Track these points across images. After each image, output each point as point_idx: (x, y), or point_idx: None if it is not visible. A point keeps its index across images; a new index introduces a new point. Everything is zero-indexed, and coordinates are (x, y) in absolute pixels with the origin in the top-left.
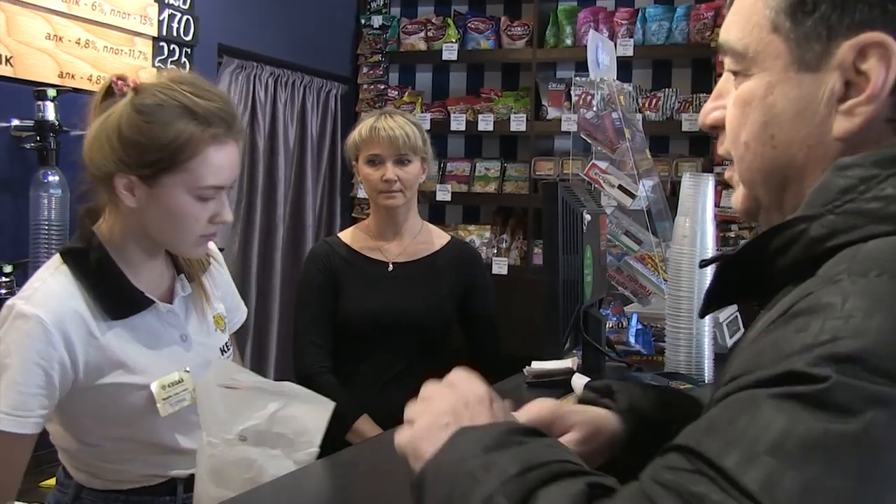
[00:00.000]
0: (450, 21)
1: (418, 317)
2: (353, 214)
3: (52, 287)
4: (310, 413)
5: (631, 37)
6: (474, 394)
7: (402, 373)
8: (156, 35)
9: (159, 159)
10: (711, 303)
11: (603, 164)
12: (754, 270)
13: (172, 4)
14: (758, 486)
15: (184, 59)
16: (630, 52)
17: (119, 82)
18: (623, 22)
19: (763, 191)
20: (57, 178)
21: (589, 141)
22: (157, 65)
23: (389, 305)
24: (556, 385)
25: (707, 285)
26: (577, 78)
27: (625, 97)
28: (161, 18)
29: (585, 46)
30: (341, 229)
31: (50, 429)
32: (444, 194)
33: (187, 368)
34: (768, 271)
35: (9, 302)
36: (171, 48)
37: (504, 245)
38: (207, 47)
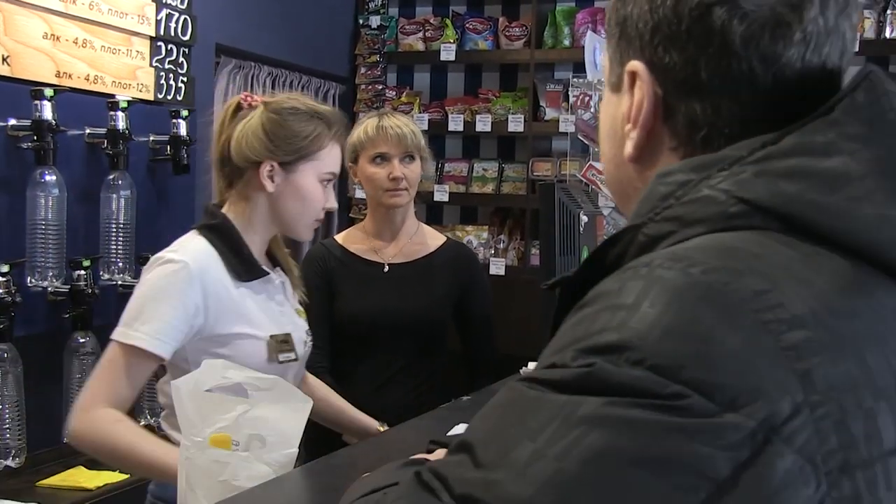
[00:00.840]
0: (448, 22)
1: (415, 317)
2: (350, 215)
3: (196, 245)
4: (284, 413)
5: None
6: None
7: (399, 373)
8: (153, 35)
9: (300, 147)
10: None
11: (600, 165)
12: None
13: (170, 4)
14: (473, 440)
15: (181, 58)
16: None
17: (248, 98)
18: None
19: (616, 202)
20: (54, 177)
21: (586, 142)
22: (154, 64)
23: (386, 306)
24: None
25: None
26: (575, 79)
27: None
28: (159, 18)
29: (583, 47)
30: (339, 229)
31: (167, 392)
32: (441, 195)
33: (290, 332)
34: None
35: (155, 256)
36: (169, 48)
37: (501, 246)
38: (205, 47)
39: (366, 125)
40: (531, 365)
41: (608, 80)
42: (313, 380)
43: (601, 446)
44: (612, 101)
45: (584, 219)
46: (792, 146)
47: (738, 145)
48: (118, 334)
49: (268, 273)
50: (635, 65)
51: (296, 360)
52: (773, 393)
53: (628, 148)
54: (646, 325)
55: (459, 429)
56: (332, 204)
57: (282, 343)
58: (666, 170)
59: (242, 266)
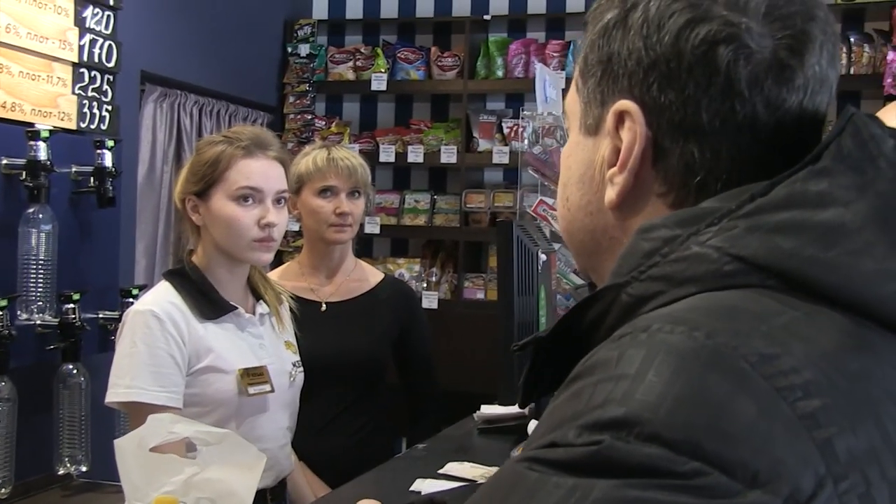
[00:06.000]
0: (379, 51)
1: (355, 358)
2: (279, 248)
3: (158, 292)
4: (236, 472)
5: (563, 69)
6: None
7: (340, 415)
8: (76, 61)
9: (203, 174)
10: (531, 391)
11: (550, 201)
12: (572, 350)
13: (94, 29)
14: None
15: (105, 86)
16: (562, 85)
17: None
18: (554, 54)
19: (574, 253)
20: None
21: (536, 176)
22: (76, 92)
23: (325, 348)
24: (510, 431)
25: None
26: (526, 112)
27: None
28: (81, 44)
29: (516, 78)
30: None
31: None
32: (372, 227)
33: (265, 365)
34: (586, 348)
35: (126, 311)
36: (93, 75)
37: (434, 279)
38: (130, 74)
39: (314, 156)
40: (484, 408)
41: (581, 122)
42: None
43: None
44: (586, 146)
45: (543, 257)
46: (783, 198)
47: (723, 196)
48: (112, 395)
49: (235, 308)
50: (626, 104)
51: (271, 391)
52: (795, 466)
53: (611, 194)
54: (654, 396)
55: (419, 484)
56: (270, 219)
57: (253, 376)
58: (648, 224)
59: (206, 305)
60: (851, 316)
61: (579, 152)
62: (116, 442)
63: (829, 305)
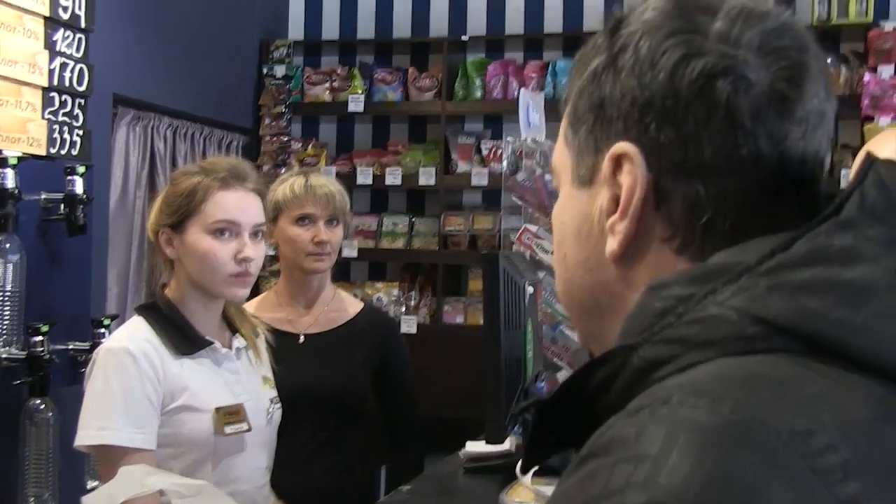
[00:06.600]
0: (356, 72)
1: (334, 390)
2: None
3: (131, 329)
4: None
5: (541, 90)
6: None
7: (320, 448)
8: (46, 85)
9: (180, 206)
10: (535, 454)
11: (534, 228)
12: (579, 413)
13: (64, 52)
14: None
15: (77, 110)
16: (544, 106)
17: None
18: (533, 76)
19: (574, 318)
20: None
21: (520, 203)
22: (47, 116)
23: (303, 380)
24: (497, 470)
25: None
26: (509, 138)
27: None
28: (52, 67)
29: (495, 99)
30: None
31: None
32: (350, 251)
33: (241, 403)
34: (594, 413)
35: (97, 349)
36: (63, 99)
37: (412, 302)
38: (102, 98)
39: (291, 183)
40: (469, 445)
41: (573, 174)
42: None
43: None
44: (580, 198)
45: (530, 290)
46: (806, 253)
47: (737, 250)
48: (82, 437)
49: (211, 343)
50: (623, 146)
51: (248, 430)
52: None
53: (612, 244)
54: (679, 479)
55: None
56: (247, 253)
57: (229, 415)
58: (658, 282)
59: (181, 340)
60: (881, 382)
61: (573, 206)
62: (84, 499)
63: (858, 371)
